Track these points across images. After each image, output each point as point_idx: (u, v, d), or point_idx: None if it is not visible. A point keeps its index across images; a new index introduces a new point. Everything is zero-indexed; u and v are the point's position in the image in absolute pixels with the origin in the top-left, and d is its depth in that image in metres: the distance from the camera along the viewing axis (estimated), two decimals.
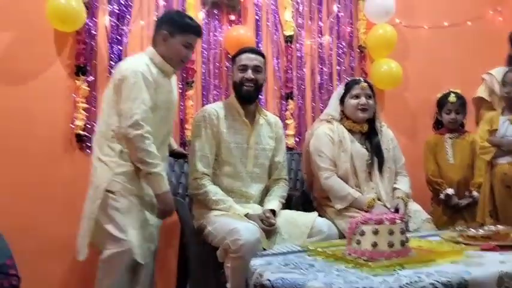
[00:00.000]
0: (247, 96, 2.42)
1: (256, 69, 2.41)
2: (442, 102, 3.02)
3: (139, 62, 2.19)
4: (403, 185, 2.56)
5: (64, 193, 2.60)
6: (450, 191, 2.90)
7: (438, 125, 3.11)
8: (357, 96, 2.54)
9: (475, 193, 2.86)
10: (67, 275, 2.61)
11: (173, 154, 2.53)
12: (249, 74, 2.38)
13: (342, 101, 2.60)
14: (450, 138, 3.00)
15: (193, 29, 2.27)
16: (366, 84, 2.56)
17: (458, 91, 3.05)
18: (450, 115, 2.98)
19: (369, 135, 2.58)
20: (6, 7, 2.53)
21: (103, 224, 2.10)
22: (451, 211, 2.90)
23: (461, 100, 3.00)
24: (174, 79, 2.38)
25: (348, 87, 2.59)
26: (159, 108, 2.20)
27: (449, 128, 3.02)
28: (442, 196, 2.90)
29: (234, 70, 2.46)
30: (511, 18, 3.68)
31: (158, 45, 2.25)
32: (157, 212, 2.18)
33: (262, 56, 2.48)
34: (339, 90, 2.65)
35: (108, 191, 2.11)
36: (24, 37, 2.56)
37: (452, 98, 2.96)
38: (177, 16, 2.34)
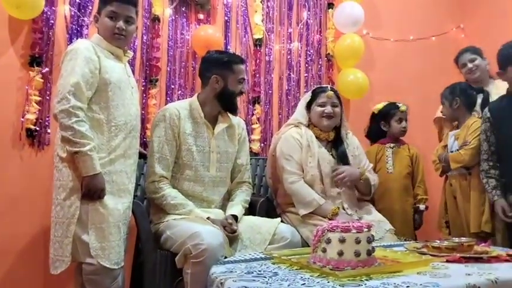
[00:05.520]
0: (235, 109, 2.36)
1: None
2: (390, 112, 3.00)
3: (81, 41, 2.06)
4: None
5: (9, 192, 2.40)
6: None
7: (372, 135, 3.10)
8: (323, 105, 2.51)
9: (421, 206, 2.90)
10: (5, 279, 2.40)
11: None
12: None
13: (309, 108, 2.56)
14: (391, 147, 3.01)
15: None
16: (332, 92, 2.54)
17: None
18: (402, 124, 2.99)
19: (335, 143, 2.55)
20: None
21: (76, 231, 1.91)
22: None
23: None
24: (128, 66, 2.22)
25: (315, 95, 2.56)
26: (113, 85, 2.01)
27: (397, 137, 3.02)
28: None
29: (228, 78, 2.29)
30: (473, 35, 3.78)
31: (99, 30, 2.12)
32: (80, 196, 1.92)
33: None
34: (306, 96, 2.62)
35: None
36: None
37: (403, 107, 2.98)
38: None
